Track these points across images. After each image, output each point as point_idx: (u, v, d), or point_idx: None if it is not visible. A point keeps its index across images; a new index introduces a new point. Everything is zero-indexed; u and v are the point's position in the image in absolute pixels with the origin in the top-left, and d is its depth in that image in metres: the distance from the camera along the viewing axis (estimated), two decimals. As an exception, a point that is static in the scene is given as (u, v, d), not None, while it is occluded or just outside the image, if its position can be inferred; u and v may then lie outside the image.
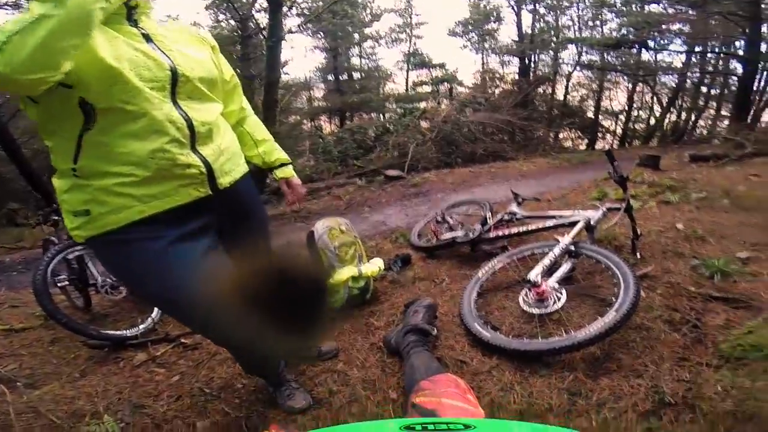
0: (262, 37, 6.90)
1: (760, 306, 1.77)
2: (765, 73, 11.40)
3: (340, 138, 9.24)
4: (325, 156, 8.50)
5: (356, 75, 16.90)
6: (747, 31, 9.59)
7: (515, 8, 14.14)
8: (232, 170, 1.04)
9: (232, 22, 9.24)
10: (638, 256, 2.25)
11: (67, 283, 2.26)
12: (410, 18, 16.52)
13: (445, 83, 12.79)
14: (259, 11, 8.14)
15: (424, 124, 8.26)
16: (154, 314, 2.18)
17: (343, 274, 2.07)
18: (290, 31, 7.31)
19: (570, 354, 1.52)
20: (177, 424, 1.44)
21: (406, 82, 16.77)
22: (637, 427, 1.22)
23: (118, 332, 2.03)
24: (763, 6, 8.99)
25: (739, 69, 10.57)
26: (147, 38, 0.89)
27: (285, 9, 6.44)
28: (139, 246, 0.89)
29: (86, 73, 0.77)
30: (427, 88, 14.62)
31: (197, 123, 0.92)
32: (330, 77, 16.46)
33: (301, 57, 35.74)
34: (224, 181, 1.00)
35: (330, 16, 10.01)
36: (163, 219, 0.90)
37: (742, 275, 2.04)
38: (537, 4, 13.87)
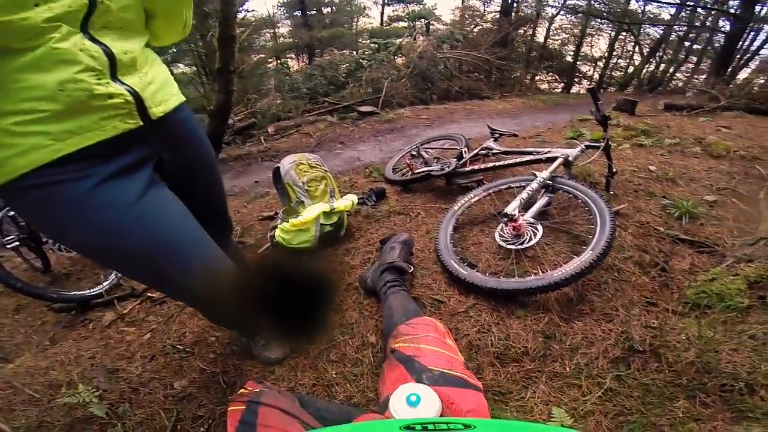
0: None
1: (724, 252, 1.82)
2: (752, 33, 11.44)
3: (309, 75, 8.65)
4: (292, 94, 7.99)
5: (326, 10, 15.67)
6: None
7: None
8: (165, 100, 0.91)
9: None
10: (611, 194, 2.25)
11: (17, 243, 2.00)
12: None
13: (422, 19, 12.03)
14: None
15: (399, 60, 7.82)
16: (116, 269, 2.05)
17: (314, 210, 1.96)
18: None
19: (545, 294, 1.52)
20: (154, 386, 1.39)
21: (381, 17, 15.72)
22: (607, 375, 1.24)
23: (81, 292, 1.91)
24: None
25: (728, 26, 10.49)
26: None
27: None
28: (59, 189, 0.76)
29: None
30: (404, 24, 13.75)
31: (118, 51, 0.78)
32: (297, 13, 15.17)
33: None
34: (157, 110, 0.87)
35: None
36: (87, 156, 0.77)
37: (708, 218, 2.10)
38: None
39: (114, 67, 0.78)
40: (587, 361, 1.30)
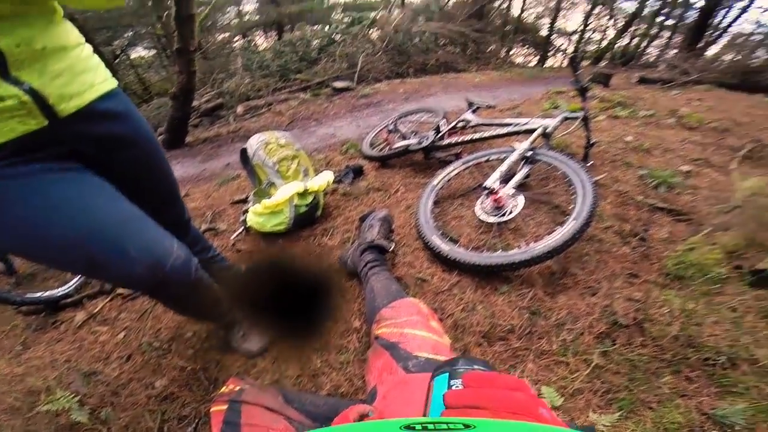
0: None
1: (700, 221, 1.84)
2: (725, 10, 11.63)
3: (278, 52, 8.29)
4: (262, 72, 7.65)
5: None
6: None
7: None
8: (81, 92, 0.79)
9: None
10: (590, 163, 2.24)
11: None
12: None
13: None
14: None
15: (374, 33, 7.57)
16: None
17: (287, 190, 1.86)
18: None
19: (529, 267, 1.48)
20: (134, 387, 1.32)
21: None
22: (594, 351, 1.23)
23: (49, 292, 1.79)
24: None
25: (702, 2, 10.65)
26: None
27: None
28: None
29: None
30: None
31: (7, 44, 0.66)
32: (263, -12, 14.42)
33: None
34: (67, 107, 0.76)
35: None
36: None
37: (684, 188, 2.12)
38: None
39: (4, 65, 0.66)
40: (573, 337, 1.29)
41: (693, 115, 3.32)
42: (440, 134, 2.35)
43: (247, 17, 14.58)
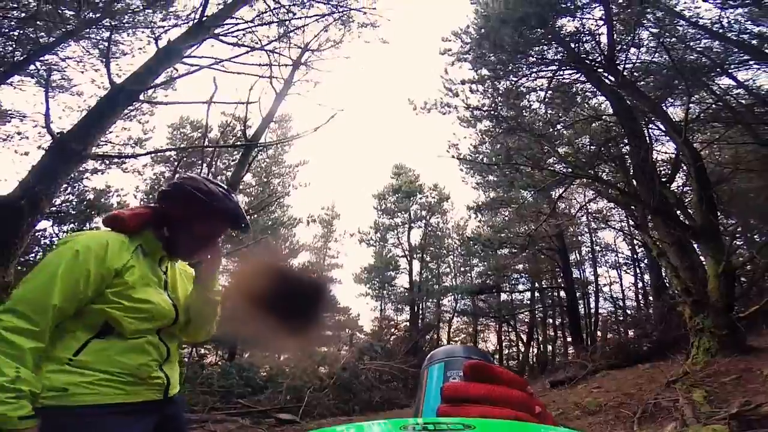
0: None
1: None
2: (588, 298, 14.66)
3: (226, 372, 8.50)
4: (202, 388, 7.55)
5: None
6: (559, 262, 12.81)
7: (408, 257, 17.07)
8: (176, 386, 1.29)
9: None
10: None
11: None
12: (323, 259, 18.42)
13: (347, 329, 13.53)
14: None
15: (322, 369, 8.21)
16: None
17: None
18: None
19: None
20: None
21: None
22: None
23: None
24: (566, 241, 12.38)
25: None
26: (166, 285, 1.23)
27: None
28: (102, 420, 1.06)
29: (125, 313, 1.09)
30: (329, 332, 15.12)
31: (172, 348, 1.24)
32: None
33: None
34: (172, 391, 1.23)
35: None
36: (126, 411, 1.09)
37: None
38: (424, 253, 17.01)
39: (166, 359, 1.18)
40: None
41: (594, 401, 4.03)
42: None
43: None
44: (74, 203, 10.66)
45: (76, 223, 11.13)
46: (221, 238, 1.36)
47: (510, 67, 7.48)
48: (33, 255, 9.01)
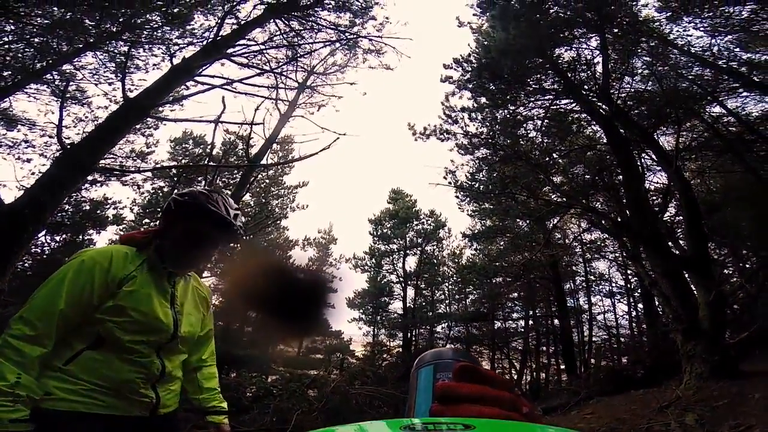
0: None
1: None
2: (581, 326, 14.44)
3: (213, 393, 8.24)
4: (185, 405, 7.30)
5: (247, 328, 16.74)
6: (554, 291, 12.80)
7: (403, 283, 16.93)
8: (170, 405, 1.27)
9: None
10: None
11: None
12: (318, 284, 18.13)
13: (338, 353, 13.23)
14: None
15: (311, 392, 8.00)
16: None
17: None
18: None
19: None
20: None
21: (300, 346, 16.84)
22: None
23: None
24: (560, 270, 12.26)
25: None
26: (173, 301, 1.23)
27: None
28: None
29: (118, 322, 1.10)
30: (320, 356, 14.83)
31: (168, 369, 1.21)
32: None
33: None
34: (162, 411, 1.22)
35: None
36: (103, 422, 1.10)
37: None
38: (419, 280, 16.88)
39: (160, 379, 1.18)
40: None
41: (587, 426, 4.06)
42: None
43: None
44: (70, 213, 10.63)
45: (69, 234, 11.05)
46: (214, 247, 1.30)
47: (508, 96, 7.76)
48: (22, 263, 8.88)
